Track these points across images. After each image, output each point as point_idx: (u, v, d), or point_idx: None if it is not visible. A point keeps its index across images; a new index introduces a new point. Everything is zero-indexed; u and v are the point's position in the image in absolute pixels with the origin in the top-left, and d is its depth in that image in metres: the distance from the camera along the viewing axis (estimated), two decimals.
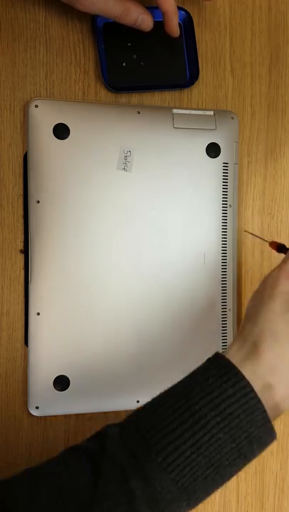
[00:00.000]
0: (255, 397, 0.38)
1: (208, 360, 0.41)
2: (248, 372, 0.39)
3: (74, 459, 0.39)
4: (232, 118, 0.56)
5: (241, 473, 0.60)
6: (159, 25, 0.53)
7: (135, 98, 0.56)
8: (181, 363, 0.50)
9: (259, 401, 0.38)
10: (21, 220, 0.53)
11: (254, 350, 0.40)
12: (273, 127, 0.59)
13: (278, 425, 0.61)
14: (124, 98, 0.55)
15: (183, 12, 0.55)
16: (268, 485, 0.61)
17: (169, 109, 0.55)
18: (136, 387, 0.54)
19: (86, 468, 0.37)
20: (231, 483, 0.60)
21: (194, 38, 0.56)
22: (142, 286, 0.54)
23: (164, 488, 0.36)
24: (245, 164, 0.59)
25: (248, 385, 0.38)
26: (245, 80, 0.59)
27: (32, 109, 0.51)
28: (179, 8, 0.55)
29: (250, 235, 0.58)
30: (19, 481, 0.38)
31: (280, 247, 0.51)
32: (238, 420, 0.37)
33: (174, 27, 0.52)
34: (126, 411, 0.47)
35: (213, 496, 0.59)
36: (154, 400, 0.41)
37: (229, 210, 0.56)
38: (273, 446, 0.61)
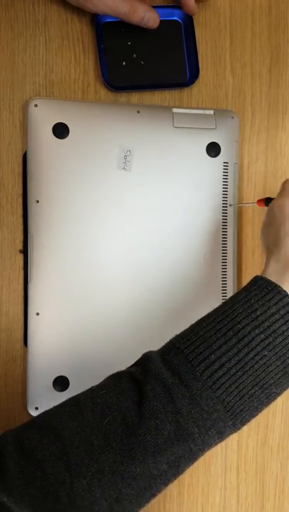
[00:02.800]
0: None
1: (249, 283, 0.41)
2: (287, 286, 0.39)
3: (116, 382, 0.39)
4: (232, 117, 0.56)
5: (242, 474, 0.60)
6: (160, 25, 0.53)
7: (135, 97, 0.56)
8: None
9: None
10: (21, 220, 0.53)
11: (287, 267, 0.40)
12: (274, 127, 0.59)
13: (278, 425, 0.61)
14: (123, 97, 0.55)
15: (183, 11, 0.55)
16: (268, 485, 0.61)
17: (169, 108, 0.54)
18: None
19: (130, 389, 0.38)
20: (231, 483, 0.60)
21: (194, 37, 0.56)
22: (142, 286, 0.54)
23: (210, 407, 0.36)
24: (246, 164, 0.59)
25: None
26: (245, 79, 0.58)
27: (31, 109, 0.51)
28: (179, 8, 0.55)
29: (240, 206, 0.58)
30: (63, 407, 0.38)
31: (267, 201, 0.52)
32: (282, 337, 0.37)
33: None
34: None
35: (213, 497, 0.59)
36: (192, 325, 0.40)
37: (229, 210, 0.56)
38: (274, 447, 0.61)
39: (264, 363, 0.37)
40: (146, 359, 0.39)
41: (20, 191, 0.53)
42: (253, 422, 0.59)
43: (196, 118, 0.55)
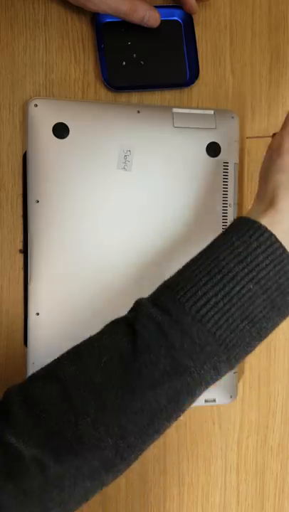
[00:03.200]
0: (281, 246, 0.39)
1: (230, 225, 0.42)
2: (267, 222, 0.40)
3: (111, 327, 0.40)
4: (232, 117, 0.56)
5: (242, 474, 0.60)
6: (160, 25, 0.53)
7: (135, 97, 0.56)
8: None
9: (285, 251, 0.39)
10: (21, 220, 0.53)
11: (270, 205, 0.41)
12: (274, 127, 0.59)
13: (278, 425, 0.61)
14: (124, 97, 0.55)
15: (183, 11, 0.55)
16: (268, 485, 0.61)
17: (169, 108, 0.54)
18: None
19: (124, 330, 0.39)
20: (231, 483, 0.60)
21: (194, 37, 0.56)
22: (143, 287, 0.53)
23: (202, 340, 0.37)
24: (246, 163, 0.59)
25: (271, 235, 0.39)
26: (245, 79, 0.58)
27: (31, 109, 0.51)
28: (179, 8, 0.55)
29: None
30: (62, 356, 0.40)
31: None
32: (266, 271, 0.38)
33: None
34: None
35: (213, 497, 0.59)
36: (178, 270, 0.42)
37: (229, 210, 0.56)
38: (274, 447, 0.61)
39: (250, 297, 0.38)
40: (137, 304, 0.41)
41: (20, 191, 0.53)
42: (253, 421, 0.60)
43: (196, 118, 0.55)
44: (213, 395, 0.56)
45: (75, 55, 0.54)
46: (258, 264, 0.38)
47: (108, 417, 0.36)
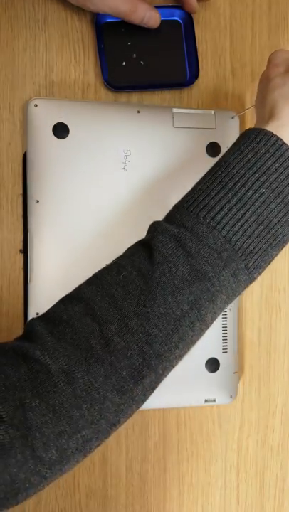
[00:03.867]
0: None
1: (236, 139, 0.42)
2: (272, 128, 0.40)
3: (127, 250, 0.41)
4: (232, 117, 0.56)
5: (242, 474, 0.60)
6: (160, 25, 0.53)
7: (135, 97, 0.56)
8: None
9: None
10: (21, 220, 0.53)
11: (271, 116, 0.41)
12: None
13: (278, 425, 0.61)
14: (124, 97, 0.55)
15: (183, 11, 0.55)
16: (268, 485, 0.61)
17: (169, 108, 0.54)
18: None
19: (140, 249, 0.40)
20: (232, 483, 0.60)
21: (194, 37, 0.56)
22: None
23: (218, 246, 0.38)
24: None
25: (278, 139, 0.39)
26: (245, 79, 0.58)
27: (31, 109, 0.51)
28: (179, 8, 0.55)
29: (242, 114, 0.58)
30: (83, 283, 0.40)
31: None
32: (276, 174, 0.39)
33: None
34: None
35: (213, 497, 0.59)
36: (188, 191, 0.42)
37: None
38: (274, 447, 0.61)
39: (263, 201, 0.38)
40: (151, 226, 0.41)
41: (21, 191, 0.53)
42: (253, 421, 0.60)
43: (196, 118, 0.55)
44: (213, 395, 0.56)
45: (75, 55, 0.54)
46: (268, 168, 0.39)
47: (132, 324, 0.36)
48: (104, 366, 0.34)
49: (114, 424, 0.36)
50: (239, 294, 0.40)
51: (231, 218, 0.38)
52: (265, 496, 0.61)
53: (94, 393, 0.34)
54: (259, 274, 0.40)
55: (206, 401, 0.56)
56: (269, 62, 0.47)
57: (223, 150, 0.55)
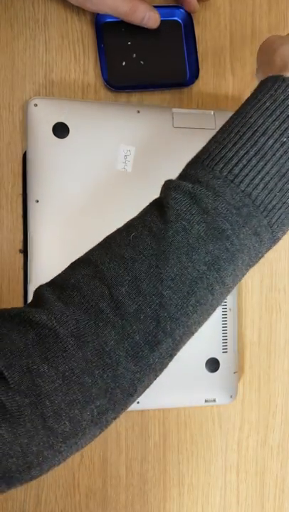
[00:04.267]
0: None
1: (253, 91, 0.39)
2: None
3: (139, 212, 0.38)
4: None
5: (242, 474, 0.60)
6: (160, 25, 0.53)
7: (135, 97, 0.56)
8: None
9: None
10: (20, 220, 0.53)
11: (285, 66, 0.38)
12: None
13: (278, 425, 0.61)
14: (123, 97, 0.55)
15: (183, 11, 0.55)
16: (268, 485, 0.61)
17: (169, 108, 0.54)
18: None
19: (151, 208, 0.36)
20: (231, 483, 0.60)
21: (194, 37, 0.56)
22: None
23: (237, 201, 0.34)
24: None
25: None
26: (245, 79, 0.58)
27: (31, 108, 0.51)
28: (179, 8, 0.55)
29: None
30: (94, 246, 0.37)
31: None
32: None
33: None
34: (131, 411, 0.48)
35: (213, 497, 0.59)
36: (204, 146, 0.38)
37: None
38: (274, 447, 0.61)
39: (285, 151, 0.35)
40: (164, 184, 0.37)
41: (20, 191, 0.53)
42: (253, 421, 0.60)
43: (196, 118, 0.55)
44: (213, 395, 0.56)
45: (75, 55, 0.54)
46: None
47: (144, 285, 0.33)
48: (115, 329, 0.32)
49: (132, 394, 0.33)
50: (262, 255, 0.36)
51: (251, 170, 0.34)
52: (265, 496, 0.61)
53: (106, 358, 0.32)
54: (284, 233, 0.36)
55: (206, 401, 0.56)
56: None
57: None
